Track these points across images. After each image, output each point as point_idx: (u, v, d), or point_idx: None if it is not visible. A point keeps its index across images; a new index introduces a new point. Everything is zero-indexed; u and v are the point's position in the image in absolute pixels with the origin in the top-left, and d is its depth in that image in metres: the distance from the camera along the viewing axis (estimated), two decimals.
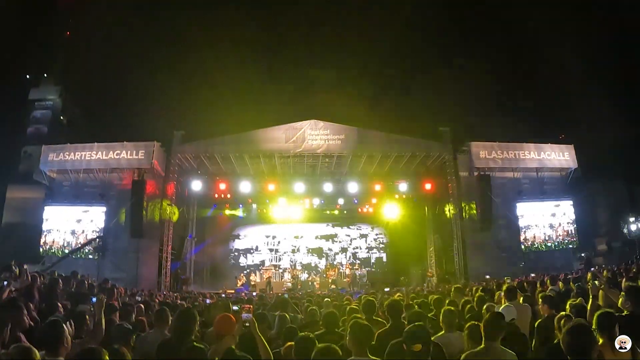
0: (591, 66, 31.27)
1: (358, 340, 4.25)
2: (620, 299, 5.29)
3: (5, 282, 6.78)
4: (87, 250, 23.88)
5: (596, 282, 6.24)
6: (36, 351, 3.38)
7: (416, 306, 7.48)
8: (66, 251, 23.88)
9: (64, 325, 4.16)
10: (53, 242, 24.18)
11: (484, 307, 6.83)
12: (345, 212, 32.14)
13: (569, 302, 6.32)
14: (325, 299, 10.91)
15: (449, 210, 25.91)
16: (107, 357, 3.34)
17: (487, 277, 19.96)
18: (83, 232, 24.26)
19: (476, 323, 5.10)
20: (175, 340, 4.58)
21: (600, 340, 3.62)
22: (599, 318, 3.91)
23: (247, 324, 4.48)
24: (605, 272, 12.77)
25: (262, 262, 31.71)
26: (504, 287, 7.75)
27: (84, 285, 10.34)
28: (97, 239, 23.71)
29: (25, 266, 11.24)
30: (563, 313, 5.64)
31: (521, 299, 7.36)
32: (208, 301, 12.83)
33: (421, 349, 4.05)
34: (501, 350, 4.39)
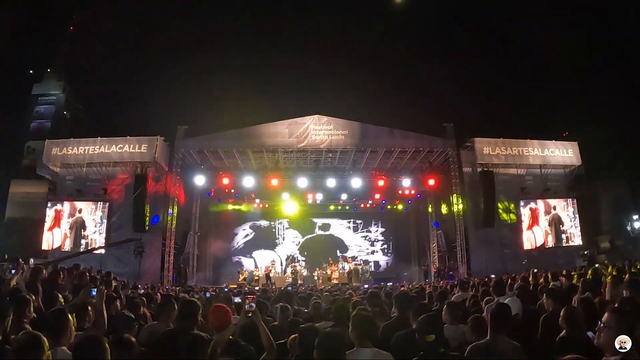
0: (596, 63, 31.20)
1: (361, 331, 4.23)
2: (625, 292, 5.27)
3: (14, 271, 6.78)
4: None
5: None
6: (44, 338, 3.37)
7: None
8: (67, 246, 23.97)
9: (68, 315, 4.15)
10: (55, 236, 24.21)
11: (484, 300, 6.84)
12: (348, 207, 32.18)
13: (575, 297, 6.31)
14: (325, 294, 10.89)
15: (452, 206, 25.85)
16: (107, 345, 3.32)
17: (492, 276, 19.85)
18: (86, 226, 24.30)
19: (479, 315, 5.08)
20: (179, 330, 4.57)
21: None
22: None
23: (249, 314, 4.46)
24: (610, 268, 12.73)
25: (265, 257, 31.73)
26: (492, 283, 7.74)
27: (85, 278, 10.33)
28: (136, 240, 23.57)
29: (31, 260, 11.27)
30: (568, 307, 5.61)
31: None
32: (208, 294, 12.82)
33: (434, 339, 4.03)
34: (507, 341, 4.37)
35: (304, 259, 32.04)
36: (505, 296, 7.19)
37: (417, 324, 4.21)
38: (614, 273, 10.82)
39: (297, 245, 32.89)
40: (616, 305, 3.55)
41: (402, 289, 12.92)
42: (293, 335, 4.70)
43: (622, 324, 3.24)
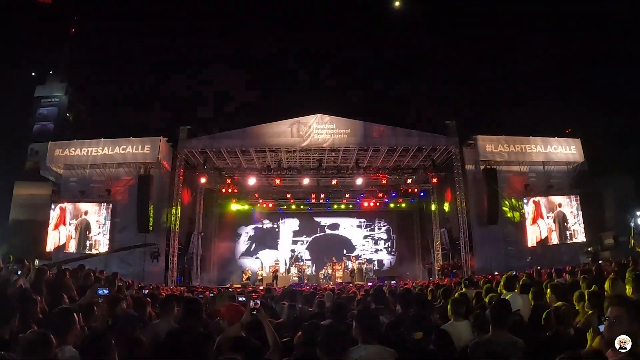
0: (598, 60, 31.16)
1: (364, 327, 4.25)
2: (628, 287, 5.28)
3: (19, 272, 6.83)
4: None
5: None
6: (52, 337, 3.42)
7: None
8: (71, 247, 24.06)
9: (74, 314, 4.19)
10: (60, 238, 24.29)
11: (488, 297, 6.86)
12: (351, 206, 32.21)
13: (576, 294, 6.32)
14: (327, 292, 10.93)
15: (455, 204, 25.84)
16: (114, 343, 3.37)
17: (496, 273, 19.83)
18: (91, 228, 24.37)
19: (480, 312, 5.10)
20: (184, 329, 4.60)
21: None
22: None
23: (254, 312, 4.50)
24: (612, 264, 12.73)
25: (269, 256, 31.78)
26: (503, 279, 7.73)
27: (90, 279, 10.39)
28: (152, 245, 23.68)
29: (36, 262, 11.33)
30: (560, 303, 5.65)
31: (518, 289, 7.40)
32: (212, 294, 12.85)
33: (423, 337, 4.06)
34: (509, 337, 4.40)
35: (309, 258, 32.09)
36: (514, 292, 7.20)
37: (406, 321, 4.25)
38: (615, 269, 10.84)
39: (301, 244, 32.92)
40: (621, 298, 3.56)
41: (405, 286, 12.93)
42: (300, 333, 4.74)
43: (628, 318, 3.26)
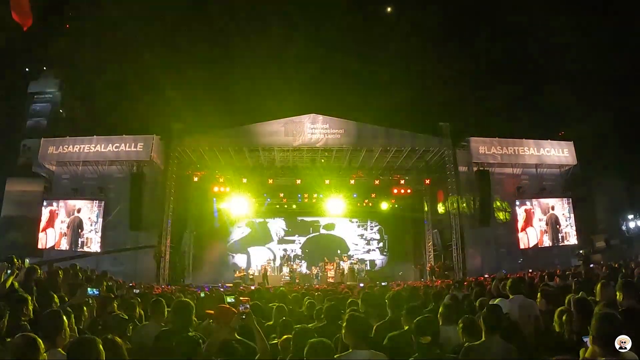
0: (592, 62, 31.20)
1: (355, 332, 4.24)
2: (618, 294, 5.29)
3: (10, 271, 6.78)
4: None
5: None
6: (40, 341, 3.40)
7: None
8: (63, 245, 23.99)
9: (64, 316, 4.17)
10: (52, 235, 24.19)
11: (478, 301, 6.86)
12: (344, 206, 32.12)
13: (568, 297, 6.31)
14: (317, 293, 10.90)
15: (448, 205, 25.89)
16: (102, 347, 3.35)
17: (486, 275, 19.87)
18: (83, 226, 24.29)
19: (470, 316, 5.10)
20: (173, 331, 4.58)
21: None
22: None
23: (244, 316, 4.47)
24: (604, 268, 12.79)
25: (261, 256, 31.71)
26: (509, 282, 7.67)
27: (79, 277, 10.35)
28: (154, 247, 23.70)
29: (26, 260, 11.23)
30: (563, 307, 5.65)
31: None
32: (202, 294, 12.80)
33: (430, 341, 4.06)
34: (502, 342, 4.39)
35: (301, 257, 32.03)
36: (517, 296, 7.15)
37: (412, 325, 4.24)
38: (607, 273, 10.88)
39: (294, 244, 32.85)
40: (601, 312, 3.57)
41: (396, 288, 12.95)
42: (285, 336, 4.72)
43: (608, 331, 3.26)
